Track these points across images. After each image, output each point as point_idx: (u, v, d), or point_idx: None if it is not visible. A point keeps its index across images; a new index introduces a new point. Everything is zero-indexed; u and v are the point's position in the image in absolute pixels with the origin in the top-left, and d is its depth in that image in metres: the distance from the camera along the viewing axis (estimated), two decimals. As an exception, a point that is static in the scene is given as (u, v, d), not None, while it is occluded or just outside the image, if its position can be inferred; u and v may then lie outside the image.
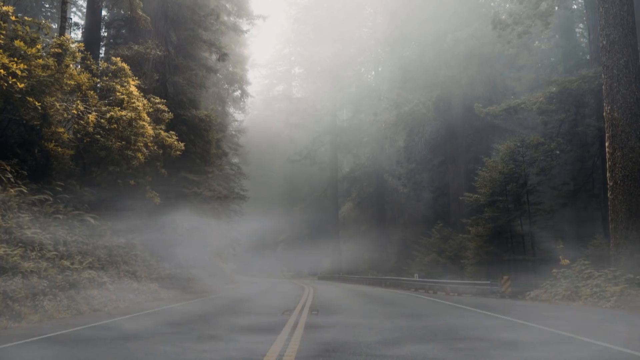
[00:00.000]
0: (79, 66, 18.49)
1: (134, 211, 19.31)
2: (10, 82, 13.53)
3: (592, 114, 24.94)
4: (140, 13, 21.84)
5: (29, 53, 14.54)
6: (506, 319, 10.02)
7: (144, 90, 20.34)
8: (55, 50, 15.87)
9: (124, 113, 17.12)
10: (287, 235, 65.29)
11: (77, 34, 30.71)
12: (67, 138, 16.44)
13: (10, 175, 13.59)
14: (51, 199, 14.72)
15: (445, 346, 6.77)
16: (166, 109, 20.44)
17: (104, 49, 28.11)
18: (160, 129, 19.86)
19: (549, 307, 13.29)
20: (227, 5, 33.67)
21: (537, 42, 31.64)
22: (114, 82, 18.27)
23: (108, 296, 13.68)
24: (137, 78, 19.44)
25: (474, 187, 24.47)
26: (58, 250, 13.20)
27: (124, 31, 27.66)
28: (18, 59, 14.06)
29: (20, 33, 14.98)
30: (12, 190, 13.15)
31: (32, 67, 14.49)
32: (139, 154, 17.78)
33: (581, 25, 31.26)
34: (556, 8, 20.81)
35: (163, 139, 19.62)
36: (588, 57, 27.45)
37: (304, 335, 7.96)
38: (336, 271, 49.30)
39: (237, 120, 49.59)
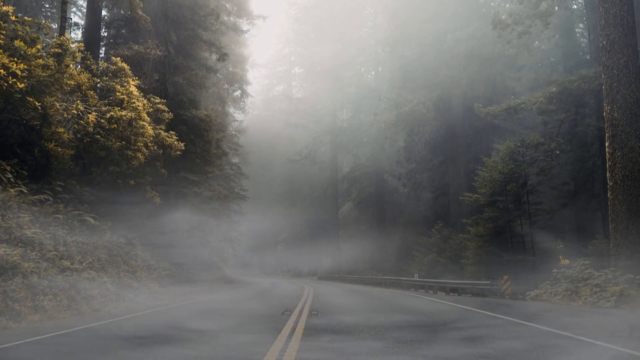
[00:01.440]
0: (79, 66, 18.50)
1: (134, 211, 19.33)
2: (10, 82, 13.53)
3: (592, 114, 24.92)
4: (140, 13, 21.85)
5: (29, 53, 14.54)
6: (506, 319, 10.06)
7: (144, 90, 20.35)
8: (55, 50, 15.88)
9: (124, 113, 17.13)
10: (287, 235, 65.26)
11: (77, 34, 30.75)
12: (67, 138, 16.45)
13: (10, 175, 13.59)
14: (51, 199, 14.73)
15: (448, 346, 6.77)
16: (166, 109, 20.46)
17: (104, 49, 28.14)
18: (160, 129, 19.87)
19: (551, 307, 13.28)
20: (227, 5, 33.69)
21: (537, 42, 31.61)
22: (114, 82, 18.27)
23: (108, 296, 13.67)
24: (137, 78, 19.45)
25: (474, 187, 24.45)
26: (58, 250, 13.20)
27: (124, 31, 27.68)
28: (18, 59, 14.06)
29: (20, 33, 14.98)
30: (12, 190, 13.15)
31: (32, 67, 14.49)
32: (139, 154, 17.79)
33: (581, 25, 31.23)
34: (556, 8, 20.80)
35: (163, 139, 19.63)
36: (588, 57, 27.43)
37: (303, 337, 7.96)
38: (336, 271, 49.25)
39: (237, 120, 49.66)
